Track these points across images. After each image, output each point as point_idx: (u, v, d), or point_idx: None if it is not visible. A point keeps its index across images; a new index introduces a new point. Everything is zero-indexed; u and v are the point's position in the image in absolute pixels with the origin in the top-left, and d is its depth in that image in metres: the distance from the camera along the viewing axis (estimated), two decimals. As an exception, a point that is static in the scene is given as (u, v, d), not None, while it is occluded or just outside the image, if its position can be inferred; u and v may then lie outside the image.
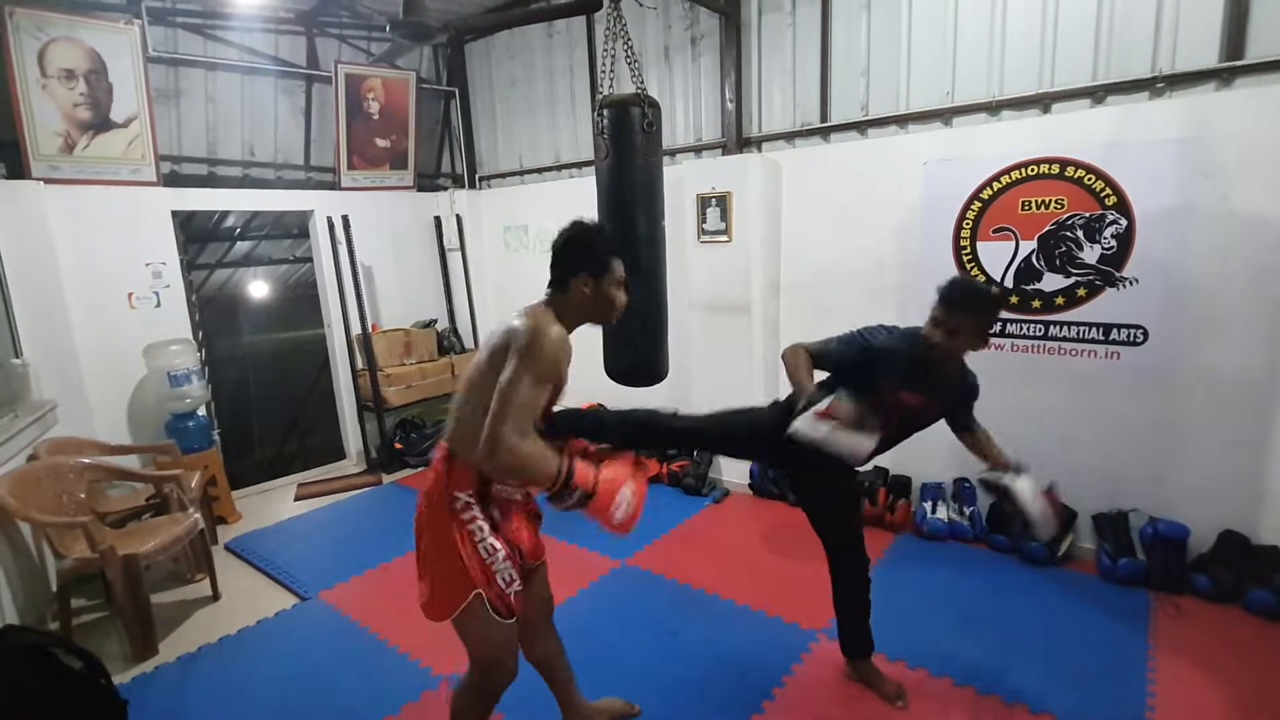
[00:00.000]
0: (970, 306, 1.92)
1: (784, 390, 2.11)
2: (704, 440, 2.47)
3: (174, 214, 4.12)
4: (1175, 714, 2.15)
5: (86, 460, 3.14)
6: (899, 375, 1.98)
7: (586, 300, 1.72)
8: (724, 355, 4.02)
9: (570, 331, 1.71)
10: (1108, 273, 2.91)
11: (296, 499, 4.45)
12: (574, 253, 1.72)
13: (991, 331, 1.97)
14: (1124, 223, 2.85)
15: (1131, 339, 2.90)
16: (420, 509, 1.72)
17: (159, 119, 4.03)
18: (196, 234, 5.94)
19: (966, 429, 2.20)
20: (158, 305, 4.05)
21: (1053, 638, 2.59)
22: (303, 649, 2.75)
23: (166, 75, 4.16)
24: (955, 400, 2.13)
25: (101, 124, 3.77)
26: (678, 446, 2.25)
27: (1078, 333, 3.02)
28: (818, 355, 2.09)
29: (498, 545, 1.67)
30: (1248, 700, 2.20)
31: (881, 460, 3.71)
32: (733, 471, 4.17)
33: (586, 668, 2.52)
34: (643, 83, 2.69)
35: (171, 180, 4.19)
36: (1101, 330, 2.97)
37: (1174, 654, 2.43)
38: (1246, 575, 2.68)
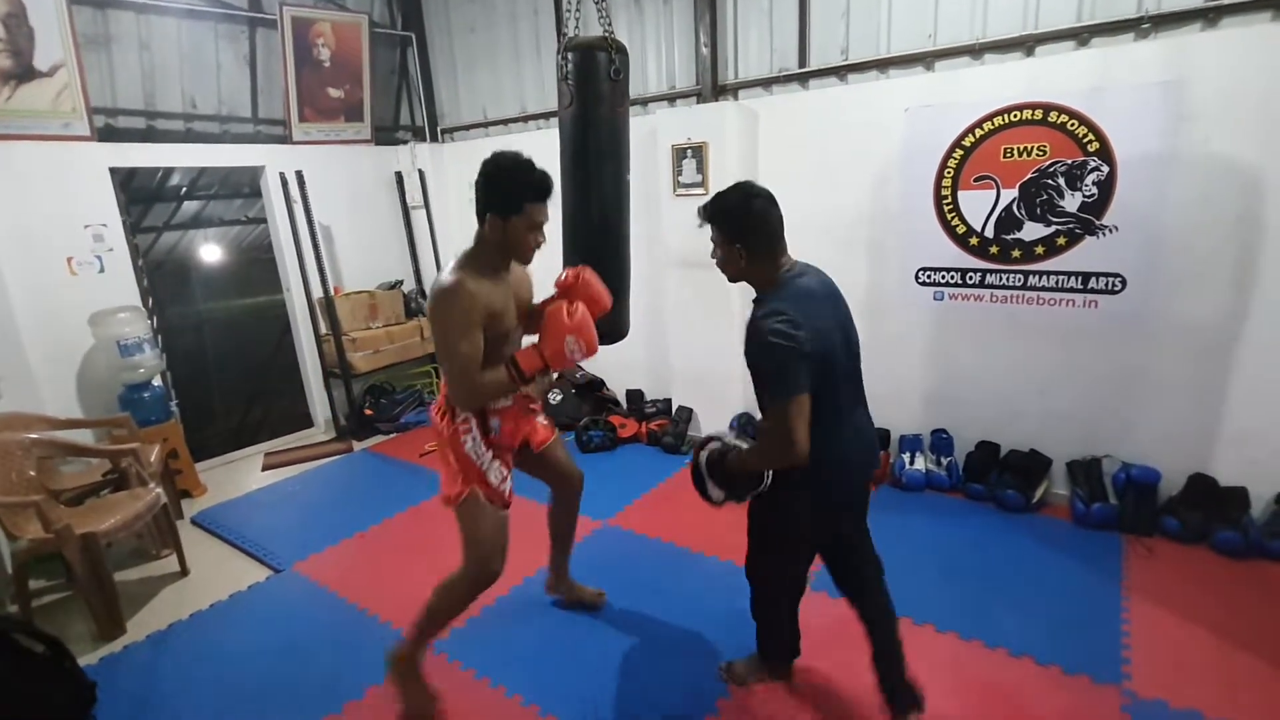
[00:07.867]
0: (710, 218, 1.73)
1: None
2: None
3: (112, 171, 3.84)
4: (1148, 651, 2.21)
5: (35, 435, 2.97)
6: None
7: (499, 240, 1.82)
8: (702, 313, 3.93)
9: (501, 270, 1.87)
10: (1088, 221, 2.89)
11: (264, 469, 4.32)
12: (483, 190, 1.79)
13: (739, 232, 1.69)
14: (1105, 169, 2.81)
15: (1110, 287, 2.90)
16: (434, 420, 2.03)
17: (89, 67, 3.71)
18: (139, 194, 5.58)
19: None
20: (101, 270, 3.81)
21: (1029, 582, 2.65)
22: (279, 621, 2.68)
23: (94, 19, 3.81)
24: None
25: (24, 73, 3.46)
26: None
27: (1057, 282, 3.00)
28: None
29: (485, 449, 1.98)
30: (1217, 636, 2.27)
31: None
32: (711, 428, 4.13)
33: (570, 626, 2.53)
34: (610, 26, 2.54)
35: (107, 135, 3.89)
36: (1080, 279, 2.96)
37: (1146, 594, 2.50)
38: (1214, 517, 2.76)
